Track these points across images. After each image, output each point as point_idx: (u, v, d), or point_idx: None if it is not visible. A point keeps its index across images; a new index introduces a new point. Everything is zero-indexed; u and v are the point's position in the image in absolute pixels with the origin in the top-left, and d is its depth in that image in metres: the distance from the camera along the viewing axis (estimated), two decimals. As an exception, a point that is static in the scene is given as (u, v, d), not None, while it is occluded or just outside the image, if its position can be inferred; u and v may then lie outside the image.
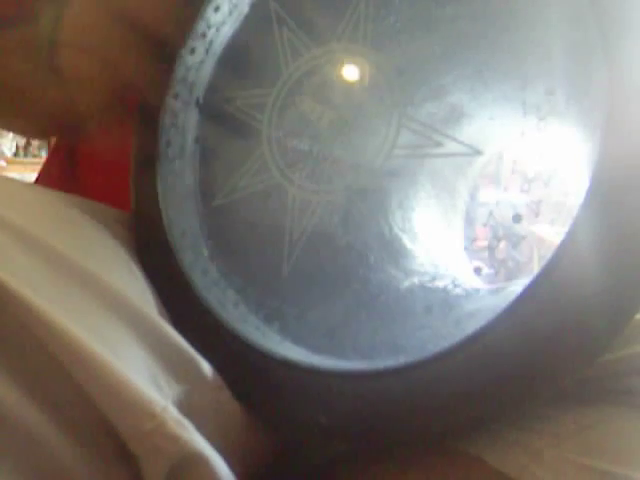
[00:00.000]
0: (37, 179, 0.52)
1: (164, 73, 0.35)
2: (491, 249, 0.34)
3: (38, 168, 0.54)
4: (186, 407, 0.28)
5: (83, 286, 0.28)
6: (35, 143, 2.58)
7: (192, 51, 0.35)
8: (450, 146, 0.31)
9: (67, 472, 0.25)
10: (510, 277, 0.35)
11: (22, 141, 2.53)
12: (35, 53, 0.38)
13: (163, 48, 0.34)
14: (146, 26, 0.34)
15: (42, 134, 0.52)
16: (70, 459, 0.25)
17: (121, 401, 0.25)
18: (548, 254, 0.25)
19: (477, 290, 0.33)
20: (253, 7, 0.35)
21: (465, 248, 0.38)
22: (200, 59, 0.35)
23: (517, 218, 0.31)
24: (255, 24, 0.35)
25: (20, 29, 0.39)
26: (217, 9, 0.35)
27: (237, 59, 0.36)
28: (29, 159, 2.59)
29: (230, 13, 0.35)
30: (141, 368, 0.27)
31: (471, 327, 0.26)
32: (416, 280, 0.34)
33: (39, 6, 0.38)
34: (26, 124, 0.50)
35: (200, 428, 0.27)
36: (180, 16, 0.35)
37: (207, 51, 0.36)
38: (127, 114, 0.36)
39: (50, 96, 0.39)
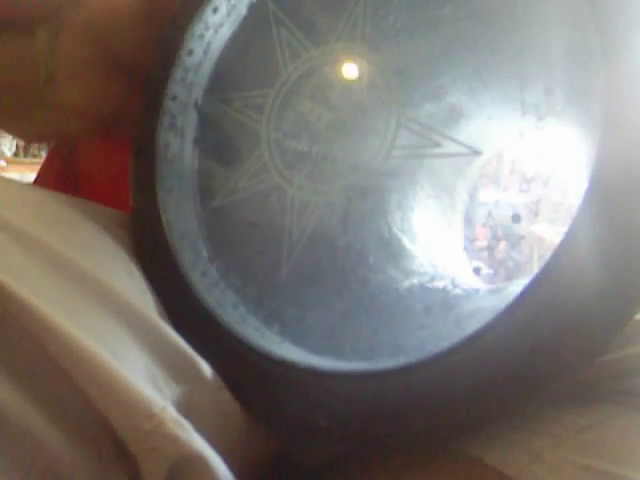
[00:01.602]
0: (36, 179, 0.52)
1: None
2: (490, 249, 0.34)
3: (38, 168, 0.54)
4: (185, 408, 0.28)
5: (82, 287, 0.28)
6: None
7: (190, 53, 0.35)
8: (449, 146, 0.31)
9: (66, 472, 0.26)
10: (510, 277, 0.35)
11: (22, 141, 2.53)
12: (32, 73, 0.39)
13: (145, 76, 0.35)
14: (128, 59, 0.36)
15: (38, 140, 0.53)
16: (69, 459, 0.26)
17: (120, 401, 0.25)
18: (547, 254, 0.25)
19: (476, 290, 0.33)
20: (251, 8, 0.35)
21: (465, 248, 0.38)
22: (198, 60, 0.35)
23: (516, 218, 0.31)
24: (253, 25, 0.35)
25: (19, 42, 0.40)
26: (215, 10, 0.35)
27: (235, 60, 0.36)
28: (29, 159, 2.60)
29: (228, 14, 0.35)
30: (140, 369, 0.27)
31: (471, 327, 0.26)
32: (415, 280, 0.34)
33: (36, 23, 0.39)
34: (22, 130, 0.51)
35: (199, 428, 0.27)
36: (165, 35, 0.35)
37: (205, 52, 0.35)
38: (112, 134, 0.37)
39: (41, 114, 0.40)
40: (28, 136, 0.56)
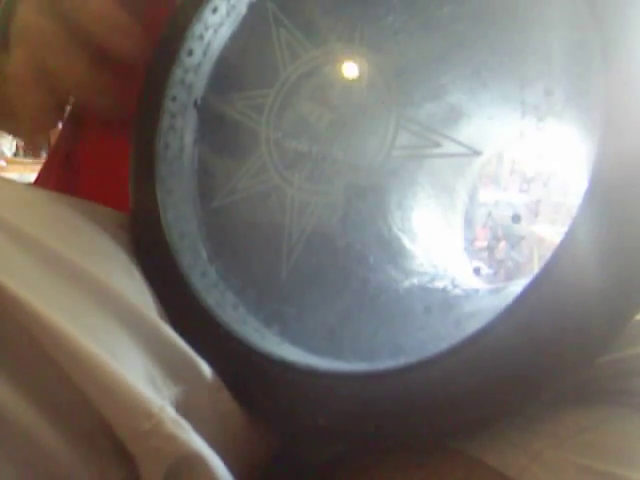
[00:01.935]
0: (36, 180, 0.52)
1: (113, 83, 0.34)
2: (490, 249, 0.34)
3: (38, 168, 0.54)
4: (184, 408, 0.28)
5: (82, 288, 0.28)
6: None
7: (190, 53, 0.35)
8: (449, 146, 0.31)
9: (64, 472, 0.25)
10: (510, 277, 0.35)
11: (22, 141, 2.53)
12: None
13: (111, 59, 0.34)
14: (92, 35, 0.33)
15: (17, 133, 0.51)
16: (67, 459, 0.25)
17: (118, 401, 0.25)
18: (547, 254, 0.25)
19: (476, 290, 0.33)
20: (251, 8, 0.35)
21: (465, 248, 0.38)
22: (198, 61, 0.35)
23: (516, 218, 0.31)
24: (253, 25, 0.35)
25: None
26: (215, 10, 0.35)
27: (235, 61, 0.36)
28: (29, 159, 2.59)
29: (228, 14, 0.35)
30: (139, 369, 0.27)
31: (471, 327, 0.26)
32: (415, 281, 0.34)
33: None
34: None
35: (198, 429, 0.27)
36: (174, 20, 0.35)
37: (205, 53, 0.35)
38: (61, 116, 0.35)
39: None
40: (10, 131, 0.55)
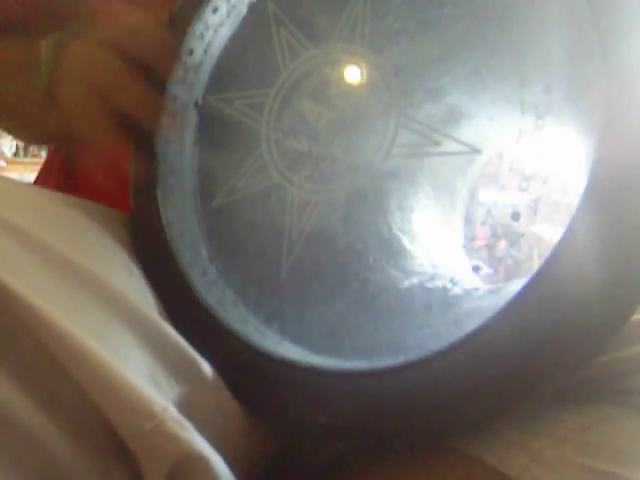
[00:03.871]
0: (36, 179, 0.52)
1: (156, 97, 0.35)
2: (490, 247, 0.34)
3: (38, 168, 0.54)
4: (186, 407, 0.28)
5: (83, 287, 0.28)
6: (35, 143, 2.57)
7: (190, 52, 0.35)
8: (449, 145, 0.31)
9: (66, 471, 0.26)
10: (509, 275, 0.35)
11: (22, 142, 2.53)
12: (35, 80, 0.39)
13: (154, 74, 0.35)
14: (138, 56, 0.35)
15: (40, 143, 0.54)
16: (69, 459, 0.26)
17: (121, 401, 0.26)
18: (547, 253, 0.25)
19: (476, 289, 0.33)
20: (251, 8, 0.35)
21: (464, 247, 0.38)
22: (199, 60, 0.35)
23: (515, 216, 0.31)
24: (253, 25, 0.35)
25: (25, 48, 0.40)
26: (215, 10, 0.35)
27: (235, 60, 0.36)
28: (29, 159, 2.60)
29: (228, 14, 0.35)
30: (141, 368, 0.27)
31: (470, 326, 0.26)
32: (415, 280, 0.34)
33: (45, 31, 0.39)
34: (25, 134, 0.52)
35: (200, 428, 0.27)
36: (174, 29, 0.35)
37: (205, 52, 0.36)
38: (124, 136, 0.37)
39: (47, 117, 0.40)
40: (27, 138, 0.57)
